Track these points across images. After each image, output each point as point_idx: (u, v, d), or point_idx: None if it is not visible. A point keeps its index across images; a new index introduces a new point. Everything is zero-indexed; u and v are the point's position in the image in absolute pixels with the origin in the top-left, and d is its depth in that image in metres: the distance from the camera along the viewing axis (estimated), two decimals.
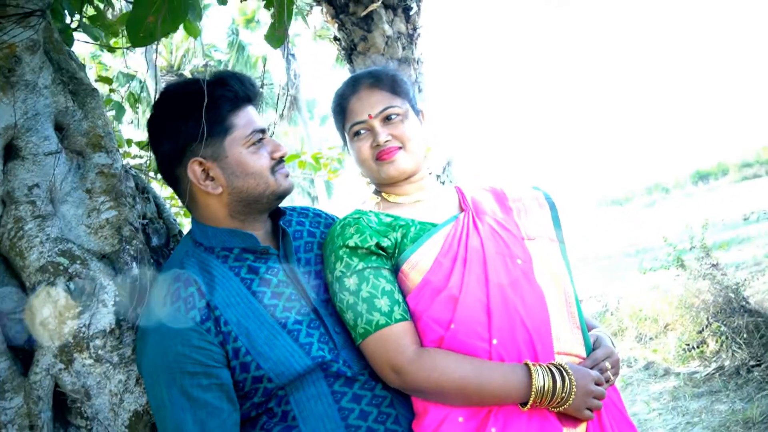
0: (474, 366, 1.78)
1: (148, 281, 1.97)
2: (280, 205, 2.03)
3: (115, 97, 5.03)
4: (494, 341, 1.82)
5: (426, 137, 2.11)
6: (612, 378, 1.92)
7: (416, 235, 1.94)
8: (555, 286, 1.95)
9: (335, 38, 4.90)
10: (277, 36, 2.21)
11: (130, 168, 2.29)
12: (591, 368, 1.88)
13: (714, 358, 5.79)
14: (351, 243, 1.89)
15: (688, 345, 6.24)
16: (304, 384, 1.83)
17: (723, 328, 5.95)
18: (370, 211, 2.00)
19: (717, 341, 5.95)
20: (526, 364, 1.79)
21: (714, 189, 23.42)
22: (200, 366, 1.74)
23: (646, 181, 27.49)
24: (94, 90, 2.13)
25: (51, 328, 1.85)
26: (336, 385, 1.85)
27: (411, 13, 4.84)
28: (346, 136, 2.06)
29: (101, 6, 3.77)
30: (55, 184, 1.95)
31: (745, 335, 5.71)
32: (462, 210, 2.06)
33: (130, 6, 2.30)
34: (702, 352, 6.03)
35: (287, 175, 1.97)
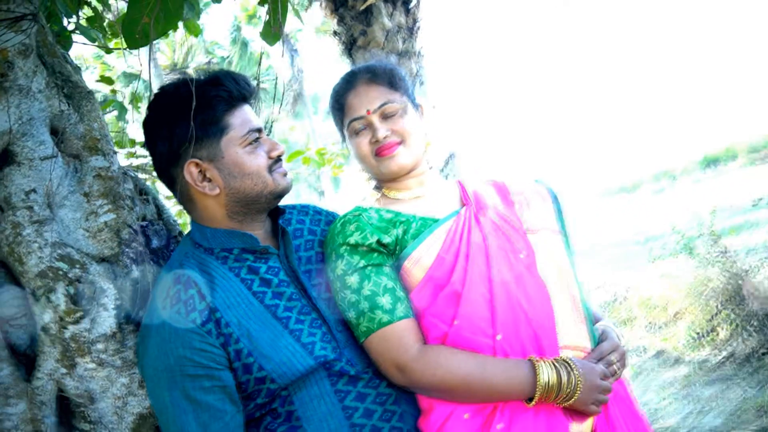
0: (478, 362, 1.76)
1: (148, 284, 1.96)
2: (279, 204, 2.01)
3: (118, 97, 5.03)
4: (498, 337, 1.80)
5: (426, 131, 2.09)
6: (619, 371, 1.90)
7: (418, 231, 1.92)
8: (559, 279, 1.93)
9: (335, 33, 4.87)
10: (273, 33, 2.19)
11: (128, 169, 2.27)
12: (597, 362, 1.86)
13: (725, 345, 5.76)
14: (352, 240, 1.87)
15: (699, 332, 6.20)
16: (307, 384, 1.81)
17: (733, 315, 5.91)
18: (371, 207, 1.99)
19: (728, 328, 5.92)
20: (531, 360, 1.77)
21: (723, 174, 23.25)
22: (202, 368, 1.73)
23: (653, 168, 27.32)
24: (90, 93, 2.11)
25: (52, 333, 1.84)
26: (339, 384, 1.83)
27: (411, 5, 4.81)
28: (345, 132, 2.04)
29: (99, 7, 3.76)
30: (52, 188, 1.93)
31: (756, 321, 5.67)
32: (464, 204, 2.04)
33: None
34: (713, 339, 5.99)
35: (285, 174, 1.95)
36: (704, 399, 5.04)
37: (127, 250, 1.98)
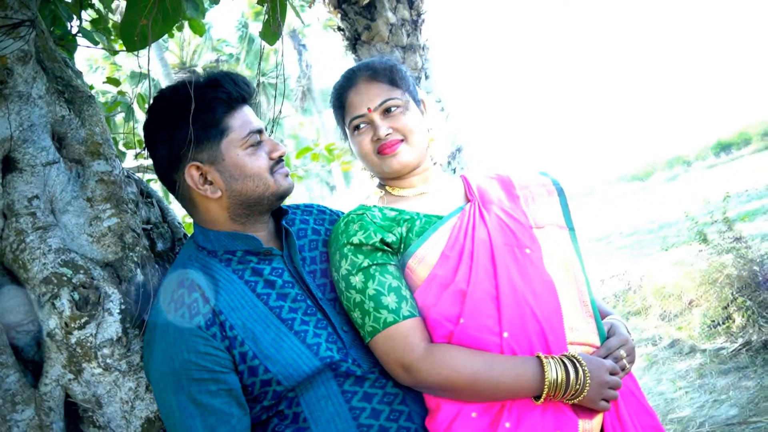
0: (485, 361, 1.74)
1: (153, 288, 1.95)
2: (282, 204, 2.00)
3: (127, 97, 5.03)
4: (505, 334, 1.78)
5: (429, 128, 2.07)
6: (628, 366, 1.88)
7: (421, 229, 1.91)
8: (566, 274, 1.91)
9: (339, 28, 4.85)
10: (272, 32, 2.18)
11: (132, 172, 2.27)
12: (605, 357, 1.84)
13: (740, 334, 5.70)
14: (355, 240, 1.85)
15: (714, 321, 6.14)
16: (313, 385, 1.81)
17: (749, 303, 5.85)
18: (374, 206, 1.97)
19: (743, 316, 5.86)
20: (538, 357, 1.75)
21: (737, 159, 23.08)
22: (207, 372, 1.73)
23: (667, 154, 27.15)
24: (91, 97, 2.11)
25: (58, 339, 1.84)
26: (346, 384, 1.83)
27: None
28: (347, 130, 2.02)
29: (102, 10, 3.76)
30: (54, 194, 1.93)
31: None
32: (468, 200, 2.02)
33: None
34: (728, 327, 5.93)
35: (287, 175, 1.94)
36: (719, 389, 4.99)
37: (131, 254, 1.98)
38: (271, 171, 1.90)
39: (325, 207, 2.18)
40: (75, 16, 3.10)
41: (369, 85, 1.97)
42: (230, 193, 1.86)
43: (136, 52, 2.21)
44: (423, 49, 4.80)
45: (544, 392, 1.72)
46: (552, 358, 1.75)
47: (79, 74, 2.23)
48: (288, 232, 1.94)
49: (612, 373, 1.79)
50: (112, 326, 1.87)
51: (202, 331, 1.74)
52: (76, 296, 1.83)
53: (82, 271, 1.87)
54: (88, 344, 1.84)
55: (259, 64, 2.14)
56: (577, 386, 1.73)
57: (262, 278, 1.86)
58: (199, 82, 1.88)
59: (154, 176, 3.20)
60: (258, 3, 2.32)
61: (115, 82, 4.76)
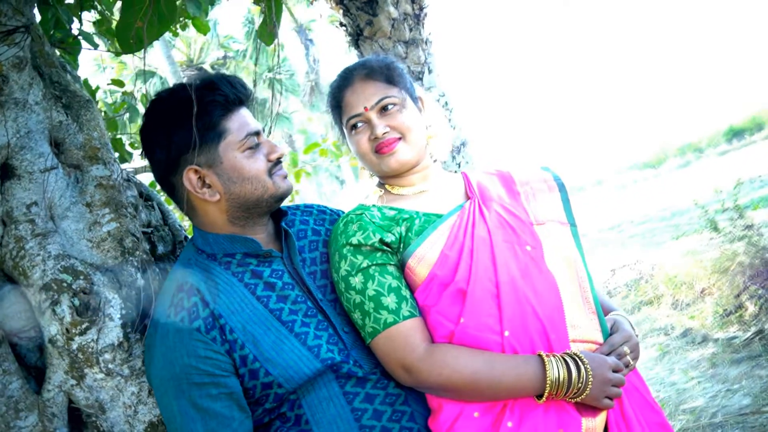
0: (486, 360, 1.73)
1: (153, 292, 1.95)
2: (282, 205, 1.99)
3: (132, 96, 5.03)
4: (506, 333, 1.77)
5: (428, 125, 2.05)
6: (632, 363, 1.86)
7: (421, 228, 1.89)
8: (567, 271, 1.89)
9: (341, 24, 4.83)
10: (269, 33, 2.17)
11: (132, 176, 2.26)
12: (608, 354, 1.82)
13: (753, 322, 5.66)
14: (354, 240, 1.84)
15: (726, 310, 6.10)
16: (315, 387, 1.80)
17: (761, 291, 5.81)
18: (373, 205, 1.96)
19: (755, 304, 5.81)
20: (540, 356, 1.74)
21: (749, 145, 22.87)
22: (208, 376, 1.72)
23: (678, 141, 26.97)
24: (89, 101, 2.11)
25: (60, 345, 1.84)
26: (348, 385, 1.82)
27: None
28: (344, 130, 2.01)
29: (106, 12, 3.76)
30: (53, 200, 1.93)
31: None
32: (468, 198, 2.00)
33: None
34: (740, 316, 5.89)
35: (285, 176, 1.93)
36: (732, 378, 4.95)
37: (131, 258, 1.97)
38: (270, 173, 1.89)
39: (325, 207, 2.17)
40: (75, 19, 3.10)
41: (365, 84, 1.95)
42: (229, 196, 1.85)
43: (140, 53, 2.20)
44: (426, 43, 4.77)
45: (546, 391, 1.70)
46: (553, 356, 1.73)
47: (77, 78, 2.23)
48: (287, 233, 1.94)
49: (615, 371, 1.78)
50: (113, 331, 1.87)
51: (202, 335, 1.73)
52: (77, 302, 1.83)
53: (82, 277, 1.86)
54: (90, 350, 1.85)
55: (255, 63, 2.12)
56: (580, 384, 1.71)
57: (262, 280, 1.85)
58: (196, 85, 1.87)
59: None
60: (254, 3, 2.31)
61: (119, 83, 4.76)
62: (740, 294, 6.13)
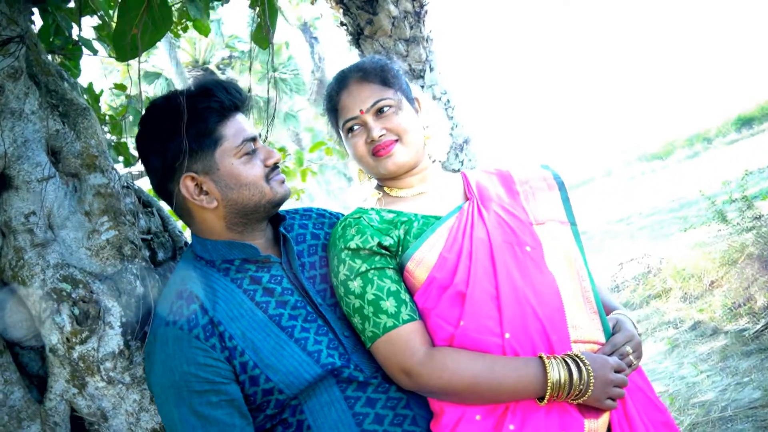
0: (486, 363, 1.72)
1: (153, 299, 1.95)
2: (280, 210, 1.99)
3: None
4: (506, 335, 1.75)
5: (425, 125, 2.04)
6: (635, 362, 1.84)
7: (419, 231, 1.88)
8: (568, 271, 1.87)
9: (341, 23, 4.81)
10: (264, 36, 2.16)
11: (131, 183, 2.26)
12: (610, 354, 1.80)
13: (763, 314, 5.62)
14: (352, 245, 1.84)
15: (735, 302, 6.06)
16: (316, 392, 1.80)
17: None
18: (372, 208, 1.95)
19: (765, 296, 5.78)
20: (540, 357, 1.72)
21: (758, 134, 22.70)
22: (208, 384, 1.72)
23: (686, 132, 26.80)
24: (86, 109, 2.11)
25: (61, 354, 1.85)
26: (349, 390, 1.81)
27: None
28: (341, 133, 2.00)
29: (106, 17, 3.76)
30: (52, 209, 1.93)
31: None
32: (467, 199, 1.99)
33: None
34: (750, 308, 5.85)
35: (283, 182, 1.92)
36: (742, 371, 4.92)
37: (130, 266, 1.97)
38: (267, 179, 1.88)
39: (324, 210, 2.16)
40: (75, 25, 3.10)
41: (360, 87, 1.94)
42: (226, 203, 1.85)
43: (142, 59, 2.20)
44: (427, 40, 4.74)
45: (547, 393, 1.69)
46: (554, 358, 1.72)
47: (75, 86, 2.23)
48: (286, 238, 1.93)
49: (617, 371, 1.76)
50: (113, 339, 1.88)
51: (201, 343, 1.73)
52: (77, 311, 1.84)
53: (81, 286, 1.87)
54: (91, 358, 1.85)
55: (250, 66, 2.12)
56: (581, 386, 1.70)
57: (261, 286, 1.85)
58: (191, 92, 1.87)
59: None
60: (249, 6, 2.30)
61: (122, 87, 4.77)
62: (750, 286, 6.09)
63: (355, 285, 1.81)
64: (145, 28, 2.04)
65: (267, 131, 2.22)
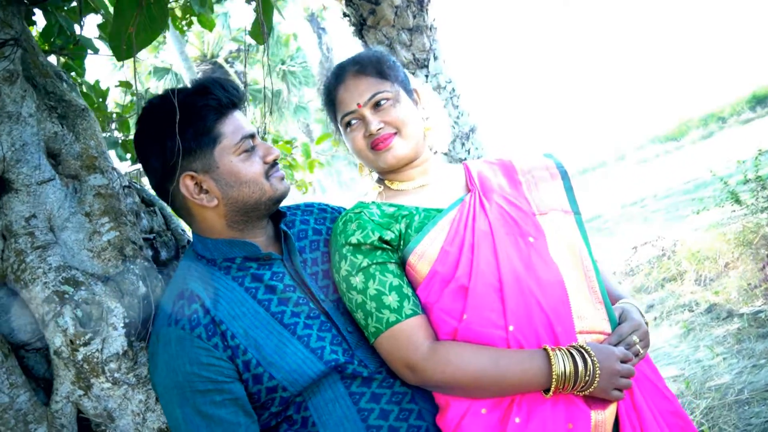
0: (490, 356, 1.70)
1: (156, 299, 1.95)
2: (281, 206, 1.98)
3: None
4: (510, 328, 1.74)
5: (425, 117, 2.02)
6: (642, 352, 1.82)
7: (421, 224, 1.86)
8: (572, 261, 1.85)
9: (344, 14, 4.78)
10: (261, 32, 2.14)
11: (133, 182, 2.26)
12: (616, 344, 1.78)
13: None
14: (353, 240, 1.82)
15: (751, 284, 6.00)
16: (320, 388, 1.79)
17: None
18: (372, 202, 1.93)
19: None
20: (545, 349, 1.71)
21: None
22: (211, 383, 1.72)
23: (700, 112, 26.53)
24: (84, 110, 2.10)
25: (65, 357, 1.85)
26: (353, 386, 1.81)
27: None
28: (340, 127, 1.98)
29: (106, 16, 3.75)
30: (52, 211, 1.93)
31: None
32: (469, 190, 1.97)
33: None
34: (766, 289, 5.78)
35: (282, 178, 1.91)
36: (758, 353, 4.87)
37: (132, 266, 1.97)
38: (267, 175, 1.87)
39: (326, 205, 2.15)
40: (74, 24, 3.09)
41: (357, 80, 1.92)
42: (227, 201, 1.84)
43: (154, 53, 2.19)
44: (430, 29, 4.70)
45: (553, 385, 1.68)
46: (559, 349, 1.70)
47: (74, 86, 2.22)
48: (287, 235, 1.92)
49: (624, 361, 1.74)
50: (117, 340, 1.87)
51: (204, 342, 1.72)
52: (79, 313, 1.83)
53: (83, 288, 1.86)
54: (95, 360, 1.85)
55: (245, 64, 2.10)
56: (587, 377, 1.68)
57: (263, 284, 1.84)
58: (188, 90, 1.85)
59: None
60: (246, 2, 2.29)
61: (127, 85, 4.77)
62: (765, 266, 6.02)
63: (357, 280, 1.80)
64: (141, 27, 2.03)
65: (265, 129, 2.21)
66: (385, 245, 1.82)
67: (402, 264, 1.84)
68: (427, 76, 4.73)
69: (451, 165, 2.12)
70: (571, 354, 1.69)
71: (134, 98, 5.02)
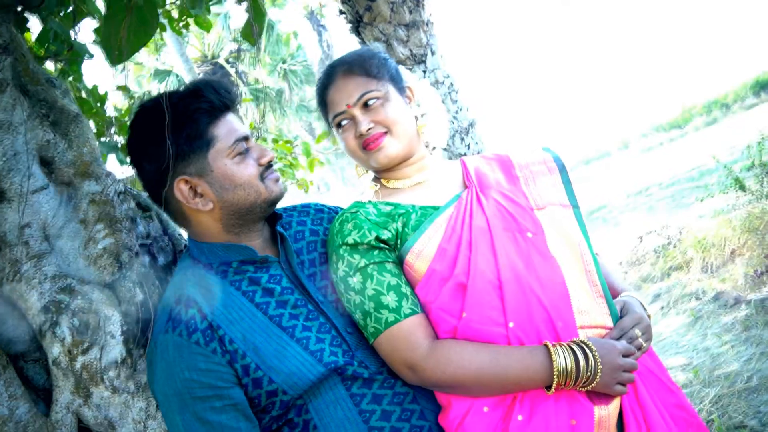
0: (490, 354, 1.69)
1: (153, 305, 1.94)
2: (277, 208, 1.96)
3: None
4: (510, 324, 1.72)
5: (419, 114, 1.99)
6: (644, 345, 1.79)
7: (417, 223, 1.84)
8: (572, 255, 1.83)
9: (340, 12, 4.76)
10: (252, 33, 2.13)
11: (129, 187, 2.24)
12: (618, 338, 1.76)
13: None
14: (350, 240, 1.80)
15: (757, 270, 5.96)
16: (321, 391, 1.77)
17: None
18: (369, 201, 1.91)
19: None
20: (546, 346, 1.69)
21: None
22: (210, 389, 1.70)
23: (703, 99, 26.38)
24: (77, 116, 2.08)
25: (63, 366, 1.84)
26: (354, 387, 1.79)
27: None
28: (332, 128, 1.97)
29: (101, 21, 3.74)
30: (46, 220, 1.92)
31: None
32: (466, 187, 1.95)
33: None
34: None
35: (277, 180, 1.90)
36: (766, 340, 4.84)
37: (128, 273, 1.96)
38: (262, 177, 1.85)
39: (323, 205, 2.13)
40: (68, 30, 3.08)
41: (346, 81, 1.90)
42: (222, 204, 1.82)
43: (155, 55, 2.18)
44: (427, 24, 4.67)
45: (554, 382, 1.66)
46: (560, 345, 1.68)
47: (66, 92, 2.20)
48: (283, 237, 1.90)
49: (626, 355, 1.72)
50: (115, 348, 1.86)
51: (202, 348, 1.71)
52: (76, 322, 1.83)
53: (79, 296, 1.85)
54: (94, 368, 1.84)
55: (237, 56, 2.08)
56: (589, 373, 1.66)
57: (260, 287, 1.82)
58: (180, 94, 1.84)
59: None
60: (236, 2, 2.27)
61: (125, 89, 4.76)
62: None
63: (355, 281, 1.78)
64: (132, 31, 2.01)
65: (259, 132, 2.19)
66: (382, 244, 1.80)
67: (400, 263, 1.82)
68: (424, 72, 4.70)
69: (449, 161, 2.10)
70: (572, 349, 1.67)
71: (132, 101, 5.03)
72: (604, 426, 1.69)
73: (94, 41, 3.49)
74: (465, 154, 4.61)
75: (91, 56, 3.13)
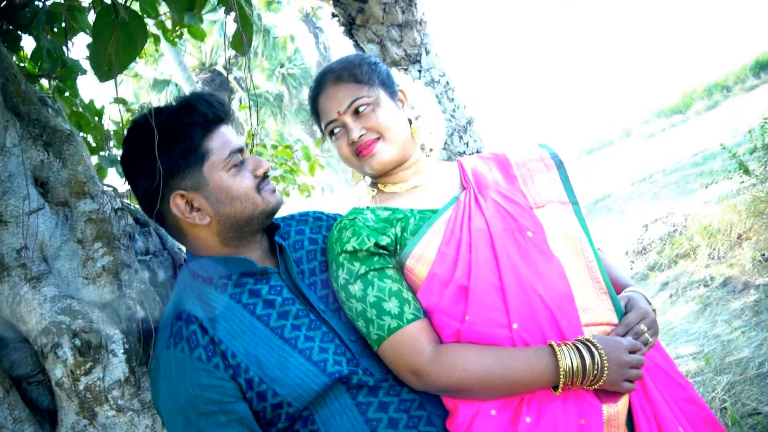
0: (495, 356, 1.67)
1: (154, 322, 1.92)
2: (275, 218, 1.95)
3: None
4: (514, 326, 1.70)
5: (413, 117, 1.97)
6: (651, 340, 1.77)
7: (416, 226, 1.83)
8: (573, 252, 1.81)
9: (333, 15, 4.74)
10: (242, 43, 2.11)
11: (127, 203, 2.23)
12: (624, 335, 1.74)
13: None
14: (349, 247, 1.79)
15: (764, 254, 5.93)
16: (326, 401, 1.76)
17: None
18: (367, 207, 1.90)
19: None
20: (551, 345, 1.67)
21: None
22: (215, 404, 1.69)
23: (703, 82, 26.27)
24: (70, 135, 2.07)
25: (67, 387, 1.83)
26: (360, 396, 1.77)
27: None
28: (326, 136, 1.95)
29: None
30: (44, 241, 1.91)
31: None
32: (464, 188, 1.93)
33: None
34: None
35: (274, 191, 1.88)
36: None
37: (128, 291, 1.95)
38: (258, 189, 1.84)
39: (321, 213, 2.12)
40: (61, 46, 3.07)
41: (336, 88, 1.89)
42: (219, 218, 1.81)
43: (153, 65, 2.16)
44: (420, 24, 4.64)
45: (561, 382, 1.64)
46: (565, 344, 1.66)
47: (59, 111, 2.19)
48: (281, 247, 1.89)
49: (632, 351, 1.70)
50: (118, 367, 1.85)
51: (204, 363, 1.70)
52: (78, 343, 1.81)
53: (80, 317, 1.84)
54: (97, 388, 1.83)
55: (227, 64, 2.07)
56: (595, 371, 1.64)
57: (261, 299, 1.81)
58: (173, 108, 1.83)
59: None
60: (225, 12, 2.26)
61: (122, 101, 4.75)
62: None
63: (356, 288, 1.76)
64: (120, 47, 2.00)
65: (253, 146, 2.18)
66: (381, 250, 1.79)
67: (400, 268, 1.81)
68: (419, 71, 4.68)
69: (446, 163, 2.08)
70: (578, 348, 1.65)
71: (132, 114, 5.02)
72: (614, 424, 1.67)
73: (87, 57, 3.49)
74: (464, 153, 4.59)
75: (84, 72, 3.11)
